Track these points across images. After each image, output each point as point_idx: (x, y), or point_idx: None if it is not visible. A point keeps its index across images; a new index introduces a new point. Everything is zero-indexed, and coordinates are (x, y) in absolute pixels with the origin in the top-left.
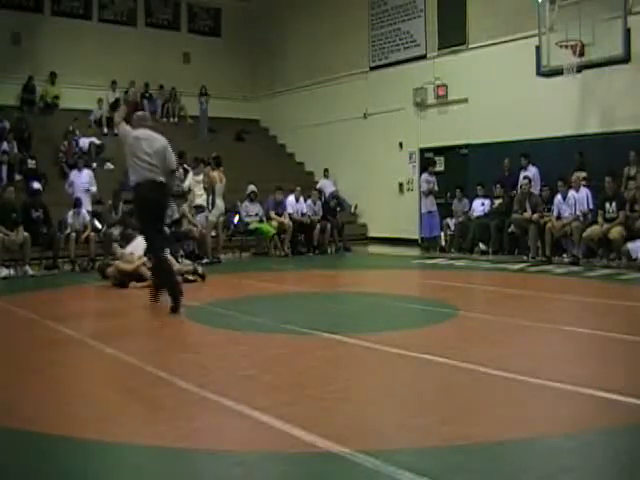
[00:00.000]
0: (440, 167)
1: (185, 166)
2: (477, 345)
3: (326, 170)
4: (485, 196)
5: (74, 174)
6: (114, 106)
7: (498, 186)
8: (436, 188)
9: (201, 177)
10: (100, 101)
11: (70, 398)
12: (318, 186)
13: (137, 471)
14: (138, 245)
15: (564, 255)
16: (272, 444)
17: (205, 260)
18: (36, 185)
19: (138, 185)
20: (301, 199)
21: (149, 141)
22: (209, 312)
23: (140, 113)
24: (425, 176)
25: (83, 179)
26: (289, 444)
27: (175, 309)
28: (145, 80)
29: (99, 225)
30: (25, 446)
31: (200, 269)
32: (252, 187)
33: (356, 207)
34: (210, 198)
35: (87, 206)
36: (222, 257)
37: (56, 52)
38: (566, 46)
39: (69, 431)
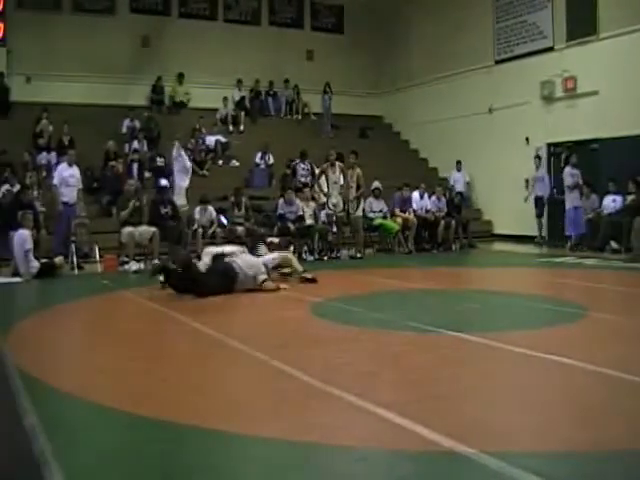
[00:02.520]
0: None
1: (310, 163)
2: (605, 347)
3: (459, 162)
4: (617, 192)
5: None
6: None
7: (631, 182)
8: (580, 181)
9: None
10: (225, 99)
11: (198, 389)
12: (450, 179)
13: (260, 463)
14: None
15: None
16: (395, 441)
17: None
18: (164, 182)
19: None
20: (425, 196)
21: None
22: (333, 308)
23: None
24: (569, 169)
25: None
26: (413, 442)
27: None
28: (269, 78)
29: (225, 221)
30: (156, 434)
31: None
32: (376, 183)
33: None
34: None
35: None
36: (344, 253)
37: (183, 53)
38: None
39: (198, 421)
